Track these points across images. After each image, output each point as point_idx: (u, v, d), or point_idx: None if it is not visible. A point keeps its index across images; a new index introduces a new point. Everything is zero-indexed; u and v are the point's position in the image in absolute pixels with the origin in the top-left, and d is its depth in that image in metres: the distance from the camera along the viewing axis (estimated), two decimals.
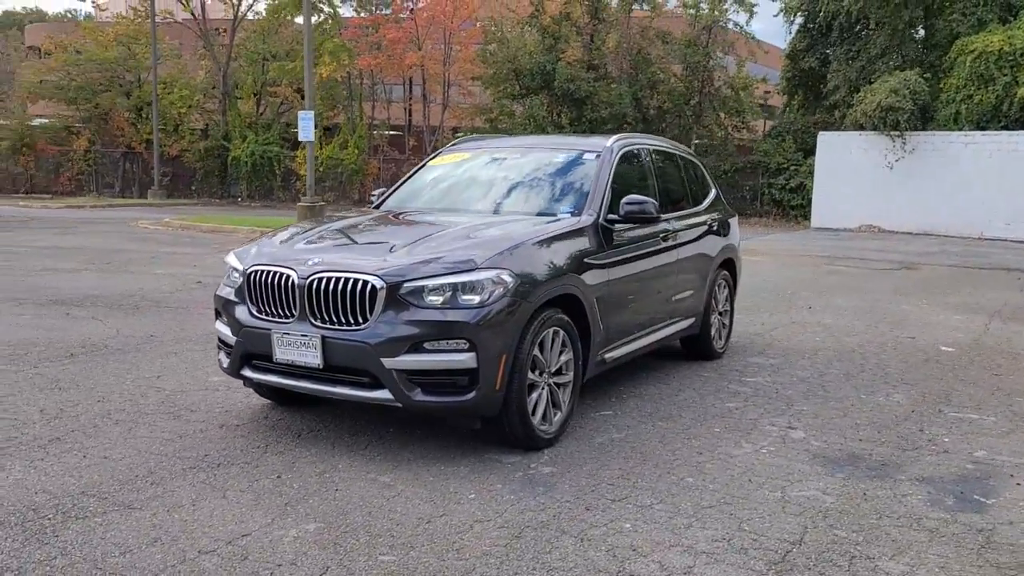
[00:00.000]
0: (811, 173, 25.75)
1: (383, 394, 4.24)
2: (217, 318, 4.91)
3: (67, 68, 31.74)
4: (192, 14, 31.71)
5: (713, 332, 6.96)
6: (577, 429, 5.01)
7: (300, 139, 18.34)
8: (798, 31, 30.22)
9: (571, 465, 4.40)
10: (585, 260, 4.98)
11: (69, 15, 34.13)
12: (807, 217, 26.00)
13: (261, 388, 5.12)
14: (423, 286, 4.22)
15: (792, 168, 27.67)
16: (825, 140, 25.30)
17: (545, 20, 29.10)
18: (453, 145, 6.72)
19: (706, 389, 6.06)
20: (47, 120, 34.51)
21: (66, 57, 31.82)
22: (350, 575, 3.14)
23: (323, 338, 4.28)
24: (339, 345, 4.26)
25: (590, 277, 4.98)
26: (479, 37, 29.99)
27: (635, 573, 3.23)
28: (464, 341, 4.17)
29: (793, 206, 27.51)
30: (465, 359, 4.18)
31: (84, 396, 5.41)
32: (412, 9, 30.24)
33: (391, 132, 32.85)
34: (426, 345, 4.17)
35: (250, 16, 32.36)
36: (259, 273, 4.56)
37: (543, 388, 4.64)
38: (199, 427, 4.86)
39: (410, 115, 33.63)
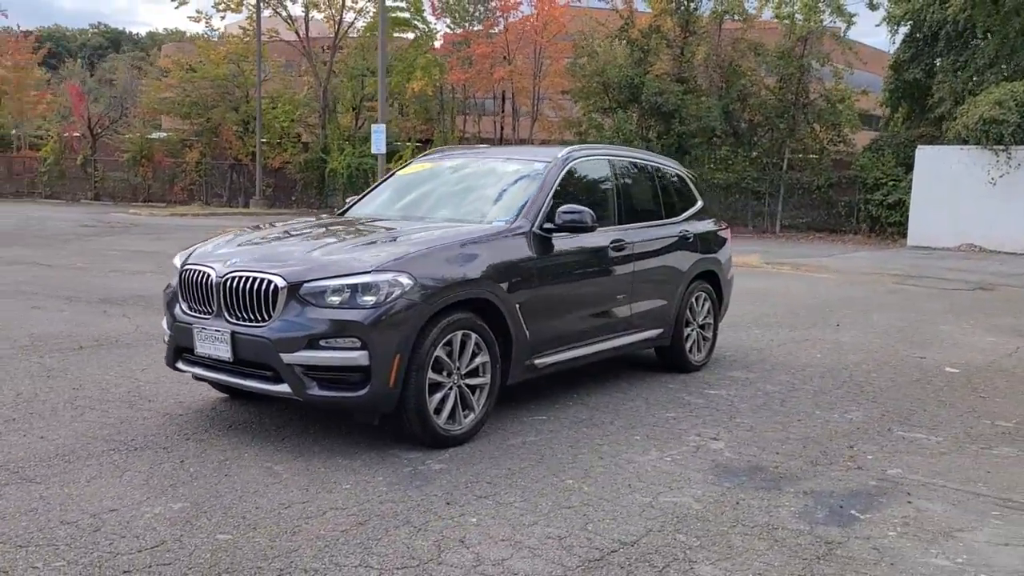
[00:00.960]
0: (911, 189, 24.77)
1: (283, 388, 4.53)
2: (164, 314, 5.33)
3: (183, 85, 33.87)
4: (296, 33, 33.28)
5: (689, 344, 6.95)
6: (498, 430, 5.17)
7: (373, 151, 19.04)
8: (903, 41, 29.21)
9: (464, 463, 4.57)
10: (509, 266, 5.14)
11: (205, 35, 36.24)
12: (904, 235, 25.02)
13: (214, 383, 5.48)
14: (324, 287, 4.50)
15: (891, 183, 26.62)
16: (924, 154, 24.33)
17: (634, 33, 29.13)
18: (424, 155, 7.00)
19: (658, 399, 6.09)
20: (165, 134, 36.88)
21: (182, 75, 33.98)
22: (181, 548, 3.43)
23: (232, 333, 4.62)
24: (246, 340, 4.58)
25: (513, 283, 5.14)
26: (569, 51, 30.24)
27: (446, 562, 3.39)
28: (356, 339, 4.42)
29: (891, 223, 26.46)
30: (357, 357, 4.42)
31: (64, 383, 5.93)
32: (505, 26, 30.78)
33: (482, 145, 33.52)
34: (322, 342, 4.44)
35: (352, 34, 33.67)
36: (188, 272, 4.95)
37: (451, 389, 4.82)
38: (144, 414, 5.27)
39: (501, 129, 34.18)
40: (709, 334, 7.26)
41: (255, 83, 32.38)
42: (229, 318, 4.68)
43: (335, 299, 4.48)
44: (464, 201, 5.93)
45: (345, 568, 3.30)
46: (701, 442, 5.10)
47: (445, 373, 4.79)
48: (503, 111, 33.86)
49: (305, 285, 4.51)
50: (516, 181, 5.89)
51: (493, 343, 5.02)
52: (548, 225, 5.49)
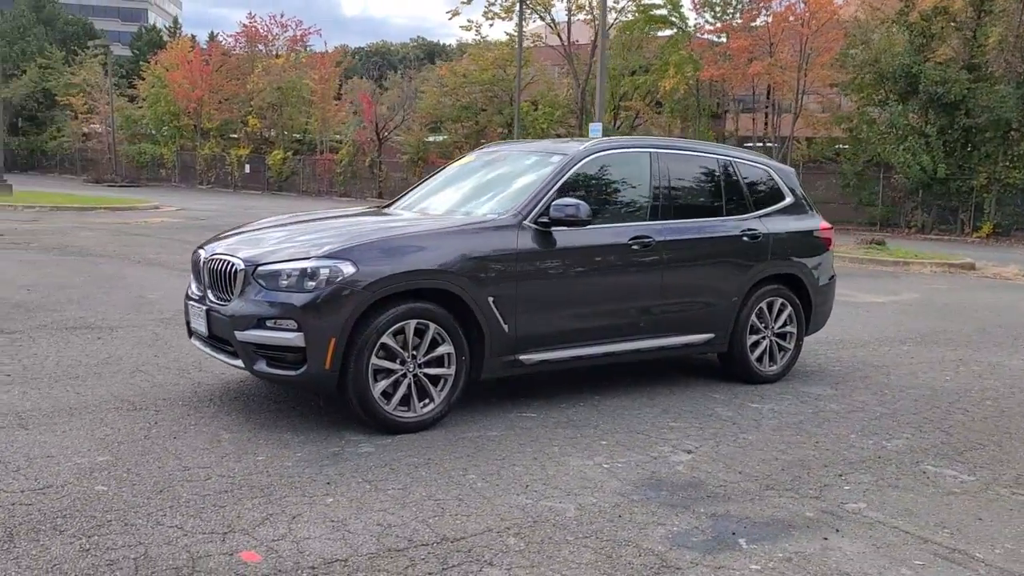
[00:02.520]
0: None
1: (239, 362, 4.93)
2: None
3: (456, 91, 36.28)
4: (559, 36, 34.29)
5: (757, 353, 6.42)
6: (469, 422, 5.19)
7: None
8: None
9: (395, 449, 4.66)
10: (481, 259, 5.12)
11: (484, 41, 38.39)
12: None
13: None
14: (276, 271, 4.83)
15: None
16: None
17: (914, 17, 26.57)
18: (479, 148, 7.09)
19: (682, 408, 5.72)
20: (441, 137, 39.72)
21: (455, 80, 36.41)
22: (56, 491, 3.89)
23: (207, 311, 5.11)
24: (215, 317, 5.05)
25: (484, 276, 5.12)
26: (839, 40, 28.26)
27: (254, 534, 3.52)
28: (292, 321, 4.70)
29: None
30: (293, 338, 4.70)
31: (152, 351, 6.80)
32: (770, 16, 29.44)
33: (748, 145, 32.22)
34: (268, 322, 4.77)
35: (613, 35, 33.97)
36: (194, 254, 5.52)
37: (405, 376, 4.93)
38: (180, 382, 5.92)
39: (765, 126, 32.73)
40: (789, 344, 6.63)
41: (520, 87, 33.83)
42: (211, 297, 5.17)
43: (285, 282, 4.79)
44: (477, 194, 5.97)
45: (161, 527, 3.57)
46: (667, 454, 4.76)
47: (398, 361, 4.91)
48: (767, 107, 32.38)
49: (259, 268, 4.87)
50: (527, 175, 5.83)
51: (458, 335, 5.05)
52: (544, 219, 5.39)
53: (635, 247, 5.76)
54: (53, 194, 30.42)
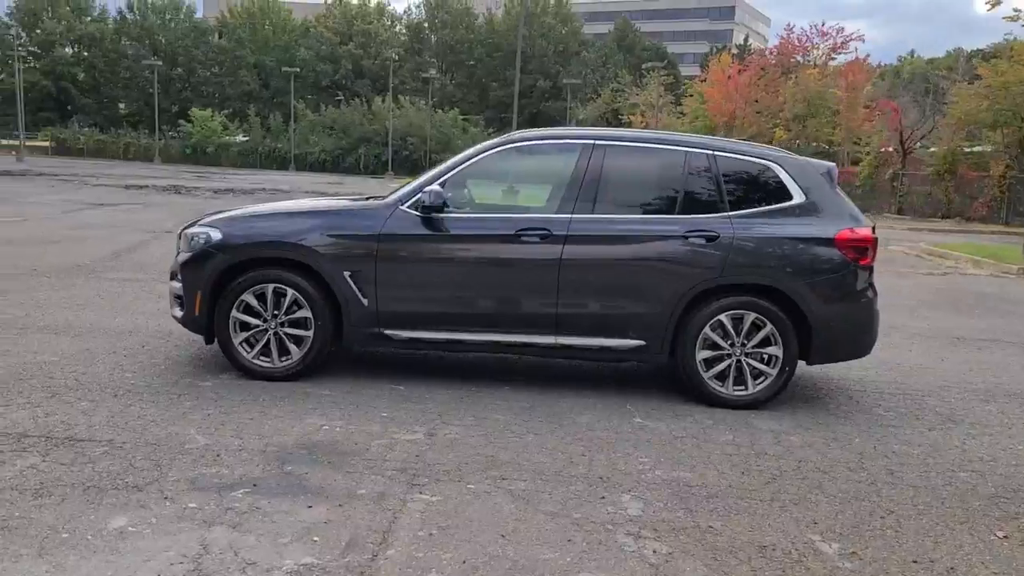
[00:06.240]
0: None
1: None
2: None
3: (993, 92, 31.94)
4: None
5: (715, 372, 5.75)
6: (333, 380, 5.99)
7: None
8: None
9: (226, 388, 5.65)
10: (343, 237, 5.85)
11: None
12: None
13: None
14: (185, 234, 6.19)
15: None
16: None
17: None
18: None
19: (546, 411, 5.56)
20: (981, 147, 35.20)
21: (993, 80, 32.04)
22: None
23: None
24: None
25: (344, 252, 5.80)
26: None
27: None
28: (179, 275, 6.03)
29: None
30: (178, 288, 6.04)
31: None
32: None
33: None
34: (177, 275, 6.16)
35: None
36: None
37: (268, 332, 5.89)
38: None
39: None
40: (771, 369, 5.73)
41: None
42: None
43: (191, 244, 6.11)
44: (416, 180, 6.48)
45: None
46: (400, 433, 4.97)
47: (261, 318, 5.89)
48: None
49: (182, 233, 6.28)
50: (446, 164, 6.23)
51: (316, 302, 5.82)
52: (420, 204, 5.82)
53: (525, 239, 5.75)
54: None
